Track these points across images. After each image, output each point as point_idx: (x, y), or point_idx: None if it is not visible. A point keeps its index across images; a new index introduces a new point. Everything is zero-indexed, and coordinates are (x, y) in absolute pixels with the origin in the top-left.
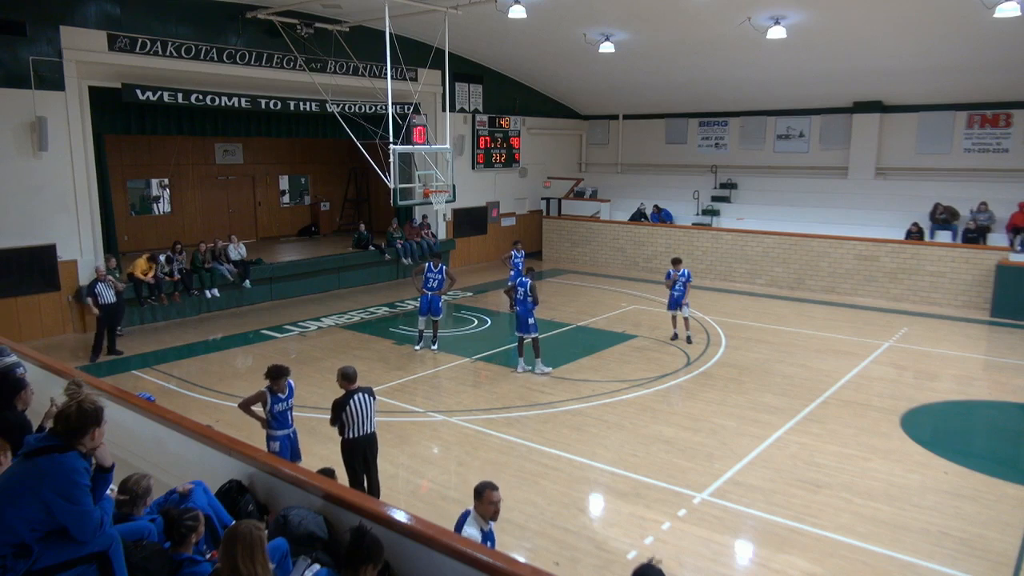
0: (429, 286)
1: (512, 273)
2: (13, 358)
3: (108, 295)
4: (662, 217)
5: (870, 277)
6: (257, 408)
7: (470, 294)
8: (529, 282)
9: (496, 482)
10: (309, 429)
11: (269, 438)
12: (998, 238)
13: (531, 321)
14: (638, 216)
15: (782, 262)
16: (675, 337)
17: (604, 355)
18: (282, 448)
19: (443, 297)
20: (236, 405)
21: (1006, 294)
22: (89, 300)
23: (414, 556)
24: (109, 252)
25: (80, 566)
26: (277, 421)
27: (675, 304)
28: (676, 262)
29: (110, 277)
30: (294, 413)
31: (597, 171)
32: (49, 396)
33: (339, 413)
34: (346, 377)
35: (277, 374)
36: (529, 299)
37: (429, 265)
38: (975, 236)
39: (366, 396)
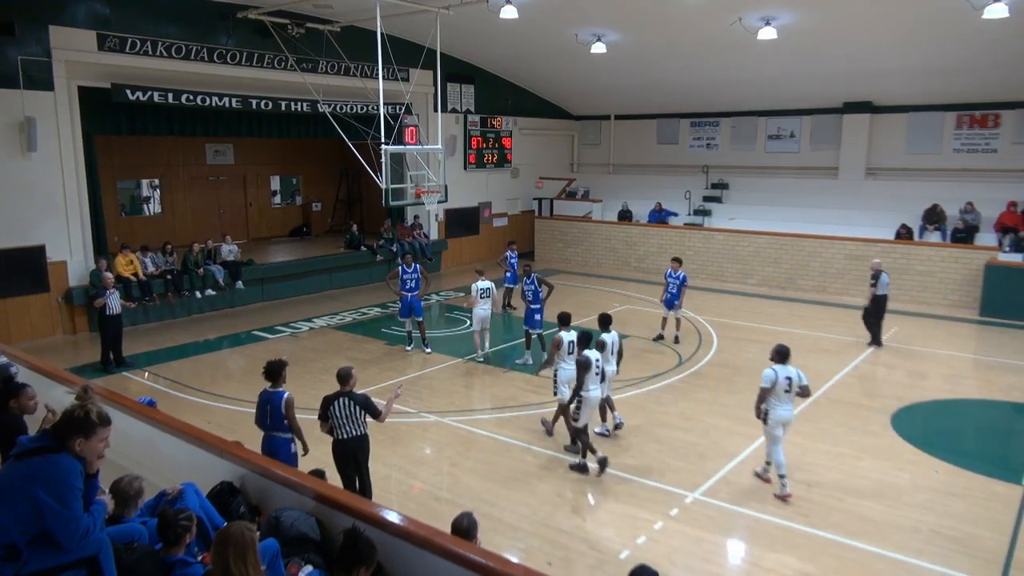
0: (407, 287)
1: (508, 274)
2: (2, 359)
3: (116, 305)
4: (662, 217)
5: (861, 276)
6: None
7: (462, 294)
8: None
9: (489, 483)
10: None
11: (290, 441)
12: (987, 237)
13: (537, 317)
14: (625, 215)
15: (773, 262)
16: (660, 338)
17: None
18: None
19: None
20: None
21: (994, 293)
22: (96, 304)
23: (407, 557)
24: (101, 255)
25: (69, 571)
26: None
27: (670, 304)
28: (676, 261)
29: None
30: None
31: (589, 171)
32: (44, 404)
33: (324, 410)
34: (337, 377)
35: (281, 368)
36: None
37: (403, 267)
38: (964, 236)
39: (349, 401)
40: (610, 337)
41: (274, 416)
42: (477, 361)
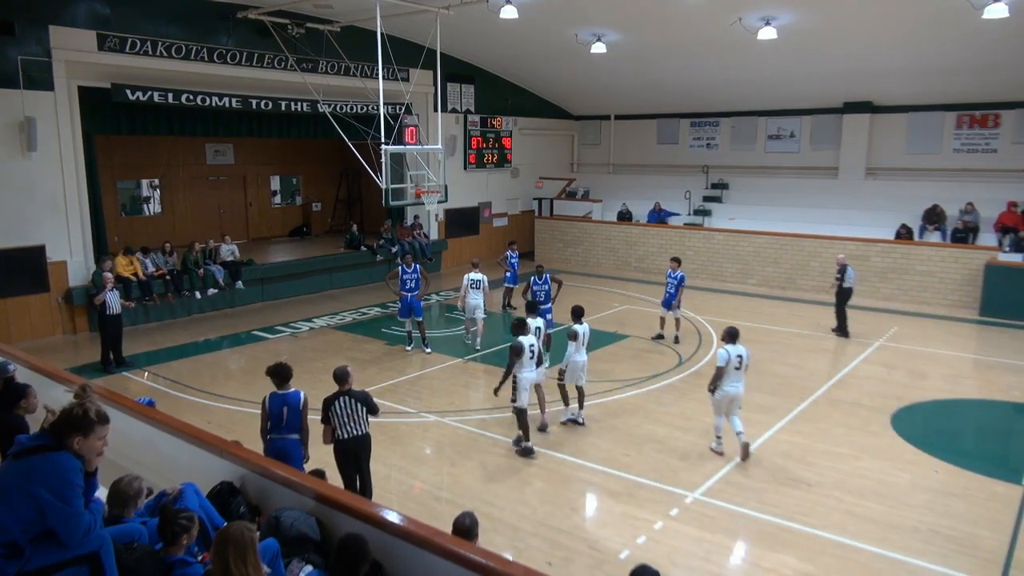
0: (407, 287)
1: (508, 274)
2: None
3: (116, 305)
4: (661, 218)
5: (860, 277)
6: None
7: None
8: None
9: (489, 483)
10: None
11: (302, 444)
12: (987, 237)
13: (548, 317)
14: (625, 216)
15: (773, 262)
16: (660, 337)
17: (596, 355)
18: None
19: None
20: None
21: (994, 293)
22: (96, 301)
23: (407, 557)
24: (106, 257)
25: (71, 567)
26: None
27: (667, 304)
28: (675, 261)
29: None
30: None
31: (589, 171)
32: (43, 404)
33: (325, 412)
34: (335, 377)
35: (291, 370)
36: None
37: (403, 267)
38: (963, 236)
39: (350, 400)
40: (582, 328)
41: (291, 417)
42: (467, 342)
